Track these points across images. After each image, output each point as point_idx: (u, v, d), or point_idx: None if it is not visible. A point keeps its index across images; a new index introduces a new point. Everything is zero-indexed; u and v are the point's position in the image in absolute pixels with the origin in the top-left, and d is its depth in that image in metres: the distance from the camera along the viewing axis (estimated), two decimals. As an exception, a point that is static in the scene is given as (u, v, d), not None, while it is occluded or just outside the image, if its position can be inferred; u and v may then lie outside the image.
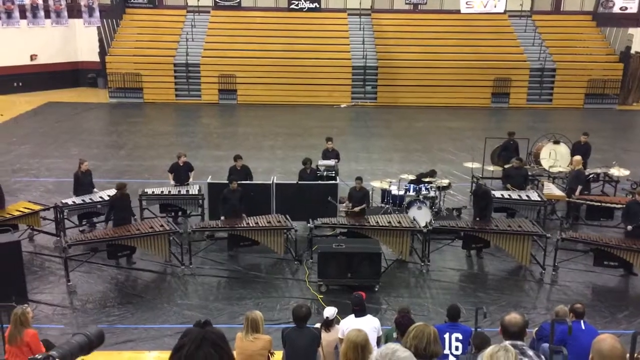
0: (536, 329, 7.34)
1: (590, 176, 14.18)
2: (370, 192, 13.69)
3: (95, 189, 12.64)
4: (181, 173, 13.16)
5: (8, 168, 16.79)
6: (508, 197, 12.75)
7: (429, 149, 19.62)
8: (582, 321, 6.64)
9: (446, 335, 6.46)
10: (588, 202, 12.86)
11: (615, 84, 27.79)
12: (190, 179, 13.22)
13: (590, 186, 14.16)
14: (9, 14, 27.91)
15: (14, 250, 9.61)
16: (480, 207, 11.74)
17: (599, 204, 12.78)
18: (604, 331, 7.95)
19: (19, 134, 20.93)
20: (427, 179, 13.31)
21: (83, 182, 12.51)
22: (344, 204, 12.20)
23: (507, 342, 3.72)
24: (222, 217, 11.44)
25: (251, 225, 11.10)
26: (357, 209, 11.85)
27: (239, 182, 11.94)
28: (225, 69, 27.33)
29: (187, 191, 12.77)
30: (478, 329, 6.67)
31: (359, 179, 12.14)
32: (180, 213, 12.98)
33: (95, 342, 3.10)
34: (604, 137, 20.95)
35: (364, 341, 4.08)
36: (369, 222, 11.19)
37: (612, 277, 10.80)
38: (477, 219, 11.68)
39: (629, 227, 10.77)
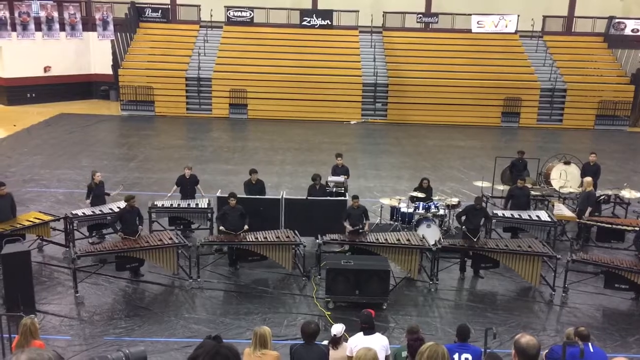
0: (546, 351, 7.24)
1: (601, 198, 14.11)
2: (380, 210, 13.69)
3: (111, 193, 13.01)
4: (187, 187, 13.20)
5: (19, 178, 16.92)
6: (518, 217, 12.68)
7: (439, 167, 19.60)
8: (589, 344, 6.56)
9: (455, 356, 6.39)
10: (599, 223, 12.78)
11: (626, 105, 27.76)
12: (202, 193, 13.25)
13: (600, 208, 14.07)
14: (24, 26, 28.30)
15: (24, 260, 9.66)
16: (474, 223, 11.52)
17: (610, 225, 12.70)
18: (613, 354, 7.89)
19: (31, 145, 21.11)
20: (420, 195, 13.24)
21: (96, 194, 12.62)
22: (345, 225, 11.62)
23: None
24: (221, 227, 11.42)
25: (260, 240, 11.09)
26: (365, 228, 11.58)
27: (253, 196, 11.86)
28: (236, 84, 27.53)
29: (197, 204, 12.79)
30: (488, 350, 6.60)
31: (356, 197, 11.85)
32: (189, 226, 13.00)
33: None
34: (615, 159, 20.89)
35: (376, 358, 4.06)
36: (377, 240, 11.13)
37: (623, 300, 10.68)
38: (469, 233, 11.35)
39: None
